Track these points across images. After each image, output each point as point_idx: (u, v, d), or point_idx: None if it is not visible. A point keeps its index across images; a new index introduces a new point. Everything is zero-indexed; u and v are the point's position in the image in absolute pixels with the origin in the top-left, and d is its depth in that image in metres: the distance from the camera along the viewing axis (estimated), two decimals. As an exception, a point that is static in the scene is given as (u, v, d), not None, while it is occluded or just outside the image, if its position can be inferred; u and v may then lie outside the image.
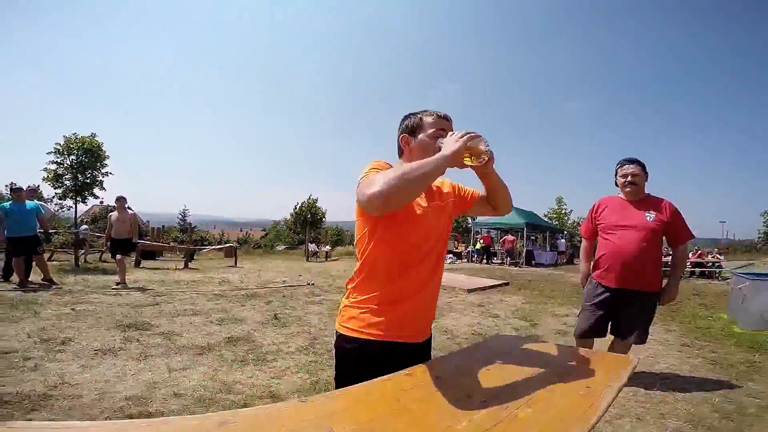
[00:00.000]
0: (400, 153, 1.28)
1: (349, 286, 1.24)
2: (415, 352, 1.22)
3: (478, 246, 16.97)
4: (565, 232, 22.24)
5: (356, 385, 0.99)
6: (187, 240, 12.96)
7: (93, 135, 8.70)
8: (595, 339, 2.63)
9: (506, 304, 5.95)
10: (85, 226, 12.48)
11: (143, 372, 2.58)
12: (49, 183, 8.56)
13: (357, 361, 1.16)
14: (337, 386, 1.23)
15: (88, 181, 8.52)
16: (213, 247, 13.42)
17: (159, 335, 3.37)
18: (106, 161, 8.85)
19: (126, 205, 5.88)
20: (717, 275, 11.57)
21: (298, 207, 25.49)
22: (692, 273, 11.18)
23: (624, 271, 2.40)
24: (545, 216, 25.70)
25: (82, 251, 9.49)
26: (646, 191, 2.54)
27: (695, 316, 5.20)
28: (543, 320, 4.90)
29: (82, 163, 8.39)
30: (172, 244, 12.54)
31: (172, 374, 2.59)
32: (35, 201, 5.61)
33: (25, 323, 3.37)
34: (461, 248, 19.81)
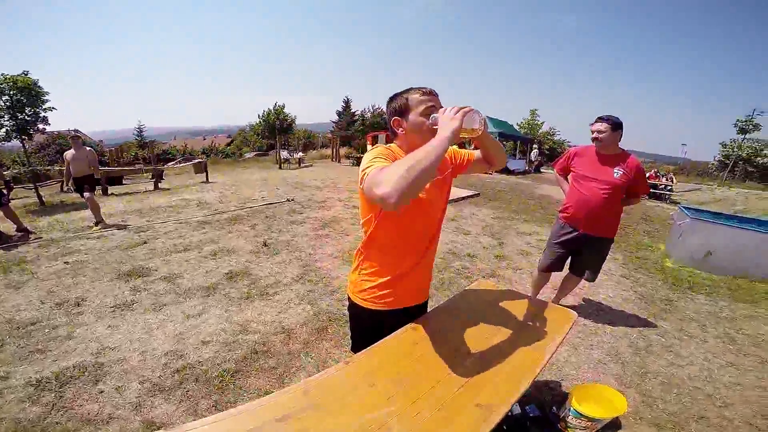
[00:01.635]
0: (394, 135, 1.33)
1: (358, 258, 1.43)
2: (418, 310, 1.52)
3: None
4: (536, 142, 22.69)
5: (378, 343, 1.36)
6: (150, 157, 12.41)
7: (25, 73, 7.84)
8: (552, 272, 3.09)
9: (477, 219, 6.45)
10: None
11: (165, 324, 2.89)
12: None
13: (371, 325, 1.45)
14: (354, 340, 1.57)
15: (29, 118, 7.91)
16: (181, 164, 12.97)
17: (162, 280, 3.63)
18: (46, 97, 8.14)
19: (80, 143, 5.53)
20: (667, 198, 11.98)
21: (264, 114, 24.15)
22: (643, 193, 11.87)
23: (588, 219, 2.75)
24: (518, 125, 26.08)
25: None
26: (627, 148, 2.72)
27: (638, 245, 5.59)
28: (509, 239, 5.41)
29: (20, 101, 7.71)
30: (138, 165, 12.01)
31: (191, 321, 2.92)
32: None
33: (29, 288, 3.50)
34: None
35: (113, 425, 1.97)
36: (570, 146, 32.05)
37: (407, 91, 1.27)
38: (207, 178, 10.72)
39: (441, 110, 1.12)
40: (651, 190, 11.78)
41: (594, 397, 1.92)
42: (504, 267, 4.27)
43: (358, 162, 18.44)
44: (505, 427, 1.91)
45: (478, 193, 8.63)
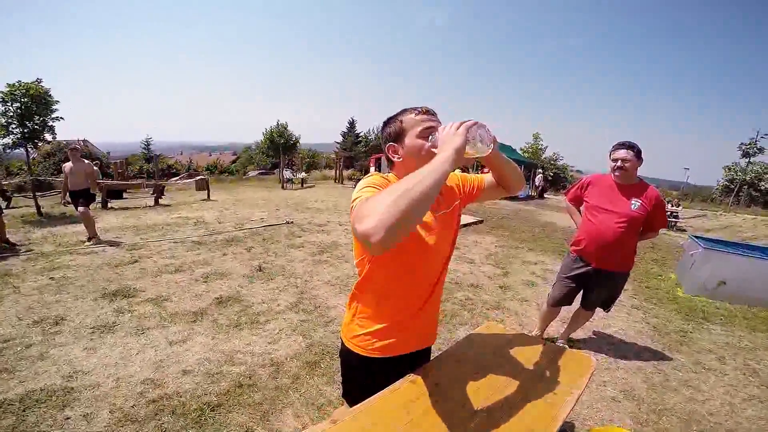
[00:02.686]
0: (391, 165, 1.15)
1: (352, 301, 1.25)
2: (419, 355, 1.32)
3: None
4: (540, 168, 22.81)
5: (372, 399, 1.16)
6: (154, 172, 12.43)
7: (38, 81, 7.93)
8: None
9: (480, 247, 6.29)
10: None
11: (146, 349, 2.71)
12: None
13: (364, 374, 1.25)
14: (345, 389, 1.38)
15: (38, 127, 7.94)
16: (183, 181, 12.96)
17: (148, 302, 3.45)
18: (55, 106, 8.20)
19: (80, 155, 5.46)
20: (673, 225, 11.89)
21: (267, 132, 24.46)
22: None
23: (601, 253, 2.58)
24: (521, 150, 26.33)
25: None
26: (639, 175, 2.57)
27: (648, 274, 5.47)
28: (514, 268, 5.26)
29: (30, 109, 7.76)
30: (139, 181, 12.00)
31: (173, 348, 2.74)
32: None
33: (8, 302, 3.34)
34: None
35: None
36: (574, 171, 32.18)
37: (402, 112, 1.11)
38: (208, 196, 10.65)
39: (440, 128, 0.94)
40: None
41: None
42: (509, 298, 4.08)
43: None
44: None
45: (482, 220, 8.49)
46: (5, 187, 5.54)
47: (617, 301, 2.90)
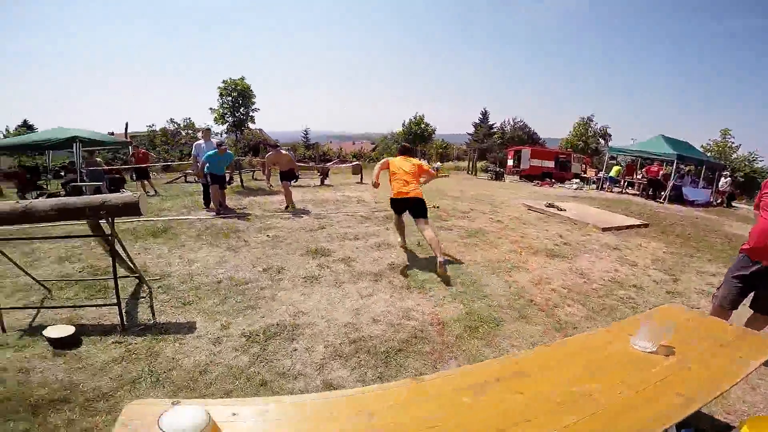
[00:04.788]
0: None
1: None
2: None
3: (613, 173, 15.25)
4: (728, 170, 18.22)
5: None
6: (315, 157, 14.48)
7: (242, 78, 10.10)
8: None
9: (645, 251, 5.72)
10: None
11: (344, 299, 3.49)
12: (216, 122, 10.48)
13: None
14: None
15: (243, 117, 10.17)
16: (343, 164, 15.03)
17: (340, 261, 4.35)
18: (254, 99, 10.29)
19: (281, 149, 7.09)
20: None
21: (406, 123, 25.83)
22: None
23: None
24: (702, 148, 21.92)
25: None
26: None
27: None
28: (686, 276, 4.75)
29: (237, 102, 9.98)
30: (311, 164, 14.37)
31: (364, 300, 3.47)
32: (229, 151, 6.80)
33: (243, 253, 4.56)
34: (591, 173, 18.13)
35: (299, 382, 2.34)
36: None
37: None
38: (361, 179, 12.05)
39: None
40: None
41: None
42: (678, 304, 3.81)
43: (497, 176, 18.09)
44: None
45: (647, 224, 7.66)
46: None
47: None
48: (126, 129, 18.60)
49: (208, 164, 6.34)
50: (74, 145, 8.95)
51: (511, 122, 37.64)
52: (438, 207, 7.80)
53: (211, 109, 10.52)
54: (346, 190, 10.00)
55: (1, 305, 2.96)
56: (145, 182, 10.06)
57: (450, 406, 1.05)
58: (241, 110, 10.28)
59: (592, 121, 32.22)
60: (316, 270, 4.10)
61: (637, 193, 14.24)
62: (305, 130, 35.63)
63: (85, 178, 8.93)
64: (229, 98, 9.94)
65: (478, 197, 10.13)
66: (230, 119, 10.19)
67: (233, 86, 9.90)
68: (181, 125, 25.39)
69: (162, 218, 6.11)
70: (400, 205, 4.54)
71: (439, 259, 3.92)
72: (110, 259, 2.95)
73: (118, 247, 2.95)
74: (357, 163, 13.63)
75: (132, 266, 3.30)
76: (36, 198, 9.22)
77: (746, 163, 23.79)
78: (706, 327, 1.70)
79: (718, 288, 2.83)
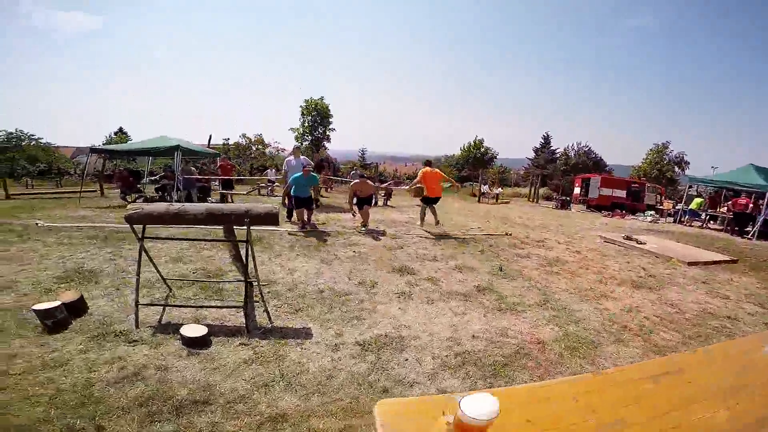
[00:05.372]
0: None
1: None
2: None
3: (693, 205, 14.37)
4: None
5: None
6: (375, 178, 14.99)
7: (321, 98, 10.90)
8: None
9: (736, 286, 5.37)
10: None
11: (439, 315, 3.64)
12: (297, 140, 11.32)
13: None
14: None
15: (320, 136, 10.92)
16: (405, 187, 15.31)
17: (426, 280, 4.54)
18: (331, 119, 11.02)
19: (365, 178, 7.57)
20: None
21: (465, 146, 26.00)
22: None
23: None
24: None
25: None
26: None
27: None
28: None
29: (316, 121, 10.76)
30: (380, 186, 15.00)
31: (458, 318, 3.61)
32: (313, 174, 7.24)
33: (336, 265, 4.88)
34: (667, 205, 16.95)
35: (416, 389, 2.48)
36: None
37: None
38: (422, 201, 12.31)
39: None
40: None
41: None
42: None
43: (562, 205, 17.50)
44: None
45: (736, 260, 7.09)
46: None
47: None
48: (209, 141, 20.52)
49: (294, 186, 6.86)
50: (175, 153, 9.96)
51: (575, 147, 36.20)
52: (510, 234, 7.80)
53: (291, 129, 11.58)
54: (410, 211, 10.28)
55: (129, 301, 3.34)
56: (228, 193, 10.94)
57: (635, 390, 1.19)
58: (319, 129, 11.09)
59: (667, 147, 30.26)
60: (405, 287, 4.31)
61: (721, 228, 13.15)
62: (361, 150, 36.88)
63: (179, 185, 9.85)
64: (309, 117, 10.78)
65: (546, 226, 9.93)
66: (309, 138, 11.04)
67: (314, 106, 10.73)
68: (252, 140, 27.48)
69: (254, 228, 6.70)
70: (431, 200, 7.80)
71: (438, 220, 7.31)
72: (219, 262, 3.33)
73: (244, 252, 3.34)
74: (420, 185, 13.92)
75: (254, 271, 3.69)
76: (135, 200, 10.43)
77: None
78: None
79: None
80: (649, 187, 19.44)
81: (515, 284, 4.62)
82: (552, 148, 38.25)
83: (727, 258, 7.11)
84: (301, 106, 10.26)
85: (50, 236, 5.53)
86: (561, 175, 30.66)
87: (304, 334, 3.15)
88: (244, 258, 3.53)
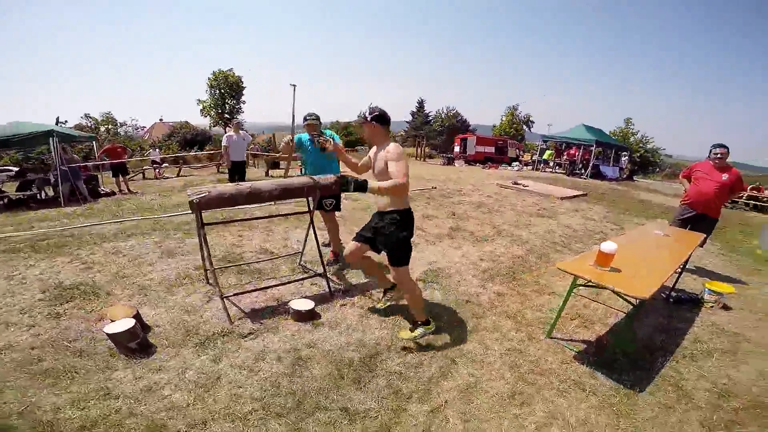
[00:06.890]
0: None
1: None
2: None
3: (546, 156, 19.59)
4: (630, 151, 23.49)
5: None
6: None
7: (230, 69, 10.39)
8: None
9: (594, 212, 8.02)
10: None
11: (448, 251, 5.00)
12: (202, 114, 10.57)
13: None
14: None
15: (228, 109, 10.31)
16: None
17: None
18: (243, 92, 10.59)
19: None
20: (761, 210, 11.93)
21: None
22: (746, 205, 11.85)
23: (703, 204, 4.38)
24: (611, 133, 27.24)
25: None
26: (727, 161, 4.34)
27: (734, 240, 6.95)
28: (628, 226, 7.03)
29: (224, 95, 10.17)
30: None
31: (460, 250, 5.01)
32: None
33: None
34: (526, 157, 21.58)
35: (482, 293, 3.68)
36: (664, 154, 32.73)
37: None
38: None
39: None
40: (753, 203, 11.86)
41: (717, 286, 3.73)
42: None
43: (449, 161, 20.35)
44: (671, 301, 3.76)
45: (586, 194, 10.19)
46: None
47: (708, 250, 4.67)
48: (57, 123, 17.21)
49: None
50: (51, 140, 8.24)
51: (445, 110, 40.65)
52: (435, 188, 9.47)
53: (198, 100, 10.70)
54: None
55: (173, 304, 3.08)
56: (121, 179, 9.78)
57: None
58: (227, 103, 10.51)
59: (517, 109, 36.74)
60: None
61: (563, 171, 17.64)
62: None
63: (59, 177, 8.03)
64: (217, 91, 10.15)
65: (451, 179, 12.00)
66: (214, 112, 10.36)
67: (223, 77, 10.06)
68: (99, 120, 22.85)
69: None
70: None
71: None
72: (255, 244, 3.79)
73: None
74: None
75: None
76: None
77: (641, 145, 29.60)
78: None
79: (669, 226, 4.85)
80: (510, 143, 23.96)
81: (470, 223, 6.23)
82: (426, 111, 42.13)
83: (580, 192, 10.15)
84: (209, 78, 9.56)
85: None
86: (436, 135, 34.54)
87: (373, 284, 3.64)
88: (311, 232, 3.51)
